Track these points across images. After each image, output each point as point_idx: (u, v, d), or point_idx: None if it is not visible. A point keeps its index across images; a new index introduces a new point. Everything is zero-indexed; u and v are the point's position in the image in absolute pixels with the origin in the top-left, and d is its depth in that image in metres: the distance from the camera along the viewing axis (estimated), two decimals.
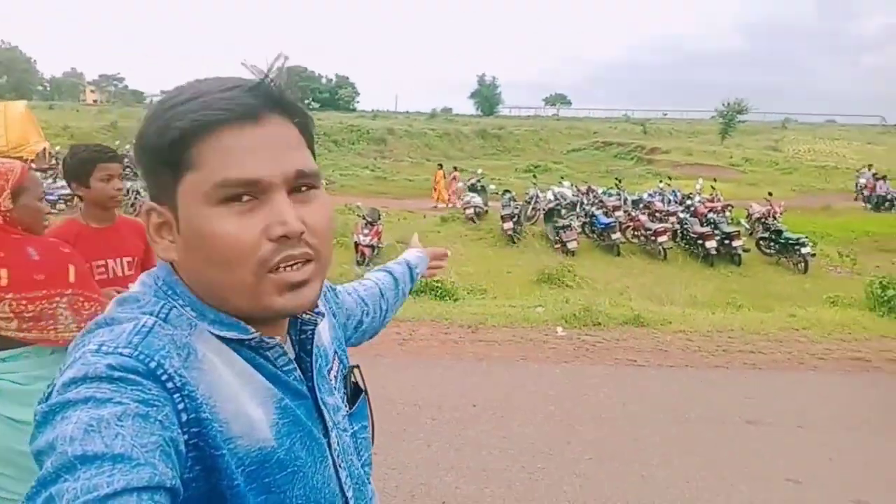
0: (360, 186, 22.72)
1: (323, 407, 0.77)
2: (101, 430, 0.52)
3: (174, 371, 0.60)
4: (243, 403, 0.66)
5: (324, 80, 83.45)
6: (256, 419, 0.66)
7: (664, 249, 13.11)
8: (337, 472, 0.77)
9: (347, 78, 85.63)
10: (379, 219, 12.27)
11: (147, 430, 0.54)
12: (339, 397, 0.83)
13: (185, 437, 0.60)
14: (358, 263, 11.70)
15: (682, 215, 14.31)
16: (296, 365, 0.75)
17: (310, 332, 0.78)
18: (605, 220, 13.79)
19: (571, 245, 12.79)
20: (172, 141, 0.64)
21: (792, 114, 75.65)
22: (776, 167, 33.88)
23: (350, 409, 0.85)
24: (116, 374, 0.57)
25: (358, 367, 0.91)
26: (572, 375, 4.61)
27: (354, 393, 0.88)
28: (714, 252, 12.73)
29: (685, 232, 13.69)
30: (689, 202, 15.94)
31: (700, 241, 12.96)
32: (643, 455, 3.47)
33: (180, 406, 0.60)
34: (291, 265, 0.66)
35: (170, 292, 0.69)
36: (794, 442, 3.66)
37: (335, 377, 0.84)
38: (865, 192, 20.47)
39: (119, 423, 0.53)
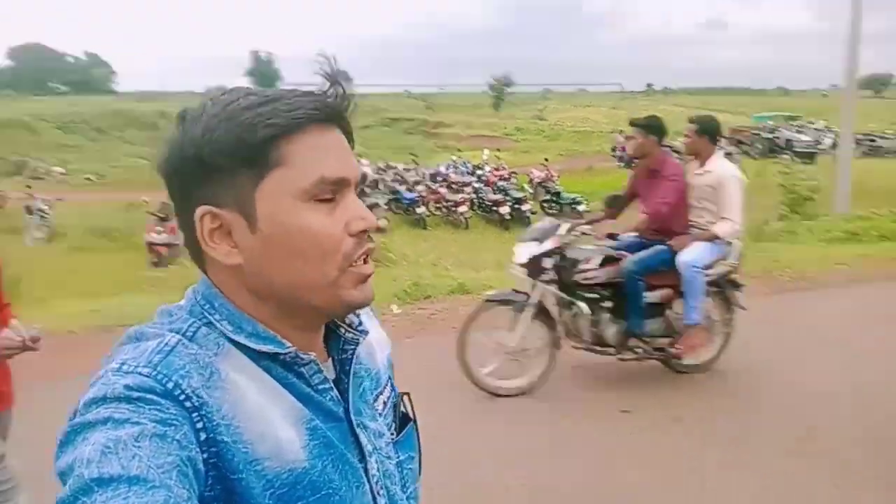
0: (139, 179, 19.70)
1: (360, 430, 0.75)
2: (118, 451, 0.53)
3: (192, 391, 0.61)
4: (271, 423, 0.65)
5: (71, 60, 72.51)
6: (286, 440, 0.65)
7: (465, 219, 14.03)
8: (374, 499, 0.74)
9: (98, 56, 75.51)
10: (172, 213, 11.14)
11: (164, 451, 0.55)
12: (382, 423, 0.80)
13: (205, 455, 0.60)
14: (154, 265, 10.64)
15: (475, 185, 15.40)
16: (332, 385, 0.73)
17: (351, 352, 0.77)
18: (408, 195, 14.28)
19: (382, 223, 13.08)
20: (265, 138, 0.64)
21: (549, 85, 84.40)
22: (543, 135, 37.66)
23: (396, 437, 0.83)
24: (135, 394, 0.58)
25: (408, 394, 0.89)
26: (419, 349, 4.78)
27: (403, 421, 0.86)
28: (508, 217, 13.98)
29: (481, 201, 14.77)
30: (479, 172, 17.16)
31: (495, 208, 14.13)
32: (504, 415, 3.80)
33: (199, 425, 0.60)
34: (365, 260, 0.70)
35: (206, 306, 0.69)
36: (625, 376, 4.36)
37: (385, 403, 0.83)
38: (618, 153, 23.76)
39: (136, 444, 0.53)
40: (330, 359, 0.77)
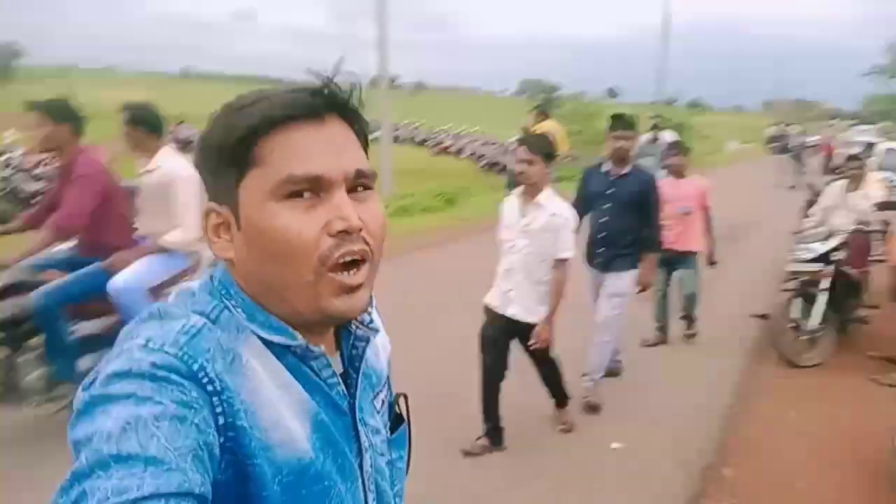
0: None
1: (361, 426, 0.76)
2: (137, 429, 0.53)
3: (215, 375, 0.61)
4: (283, 413, 0.66)
5: None
6: (294, 430, 0.66)
7: None
8: (365, 494, 0.76)
9: None
10: None
11: (182, 433, 0.55)
12: (380, 420, 0.82)
13: (221, 440, 0.60)
14: None
15: (5, 174, 12.37)
16: (340, 380, 0.73)
17: (362, 348, 0.77)
18: None
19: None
20: (239, 138, 0.66)
21: (72, 60, 72.95)
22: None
23: (391, 435, 0.85)
24: (160, 372, 0.58)
25: (405, 395, 0.90)
26: None
27: (396, 421, 0.88)
28: None
29: (15, 193, 11.97)
30: (8, 157, 13.80)
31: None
32: None
33: (218, 410, 0.60)
34: (349, 267, 0.67)
35: (224, 291, 0.69)
36: None
37: (383, 401, 0.84)
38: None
39: (156, 424, 0.54)
40: (338, 352, 0.77)
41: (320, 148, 0.67)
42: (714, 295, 6.48)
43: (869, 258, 5.13)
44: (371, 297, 0.72)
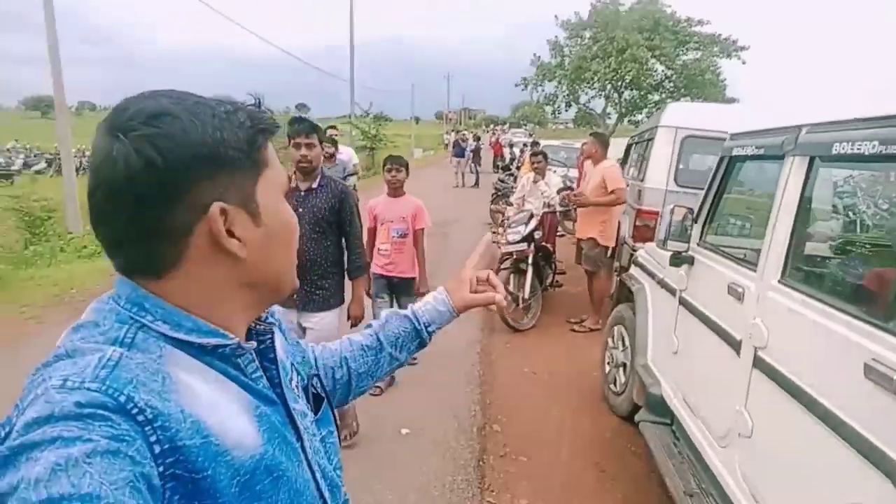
0: None
1: (293, 412, 0.79)
2: (68, 469, 0.50)
3: (144, 403, 0.58)
4: (228, 415, 0.66)
5: None
6: (243, 428, 0.67)
7: None
8: (314, 475, 0.80)
9: None
10: None
11: (117, 467, 0.53)
12: (304, 404, 0.85)
13: (161, 468, 0.58)
14: None
15: None
16: (262, 373, 0.77)
17: (269, 340, 0.81)
18: None
19: None
20: (261, 140, 0.72)
21: None
22: None
23: (316, 415, 0.88)
24: (85, 410, 0.55)
25: (318, 375, 0.94)
26: None
27: (316, 401, 0.90)
28: None
29: None
30: None
31: None
32: None
33: (152, 438, 0.58)
34: None
35: (135, 310, 0.67)
36: None
37: (297, 387, 0.86)
38: None
39: (87, 461, 0.51)
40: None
41: None
42: (439, 282, 7.29)
43: (556, 234, 6.40)
44: None
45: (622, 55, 24.74)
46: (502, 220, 7.13)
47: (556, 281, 6.57)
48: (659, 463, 2.88)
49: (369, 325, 1.15)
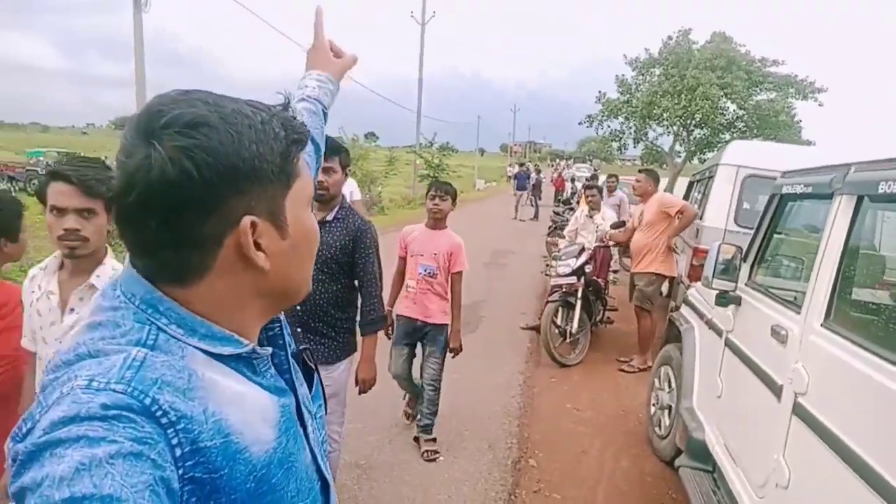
0: None
1: (302, 400, 0.81)
2: (91, 469, 0.51)
3: (169, 406, 0.59)
4: (250, 411, 0.67)
5: None
6: (262, 423, 0.69)
7: None
8: (315, 458, 0.81)
9: None
10: None
11: (138, 469, 0.53)
12: (303, 382, 0.85)
13: (180, 471, 0.59)
14: None
15: None
16: (272, 365, 0.78)
17: (277, 329, 0.82)
18: None
19: None
20: (287, 153, 0.70)
21: None
22: None
23: (311, 392, 0.88)
24: (111, 412, 0.55)
25: (308, 348, 0.91)
26: None
27: (306, 373, 0.88)
28: None
29: None
30: None
31: None
32: None
33: (174, 441, 0.59)
34: None
35: (150, 311, 0.66)
36: None
37: (289, 357, 0.85)
38: None
39: (110, 462, 0.52)
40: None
41: None
42: (491, 311, 7.27)
43: (609, 269, 6.29)
44: None
45: (693, 93, 24.29)
46: (553, 252, 7.07)
47: (608, 317, 6.42)
48: None
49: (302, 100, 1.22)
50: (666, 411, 3.95)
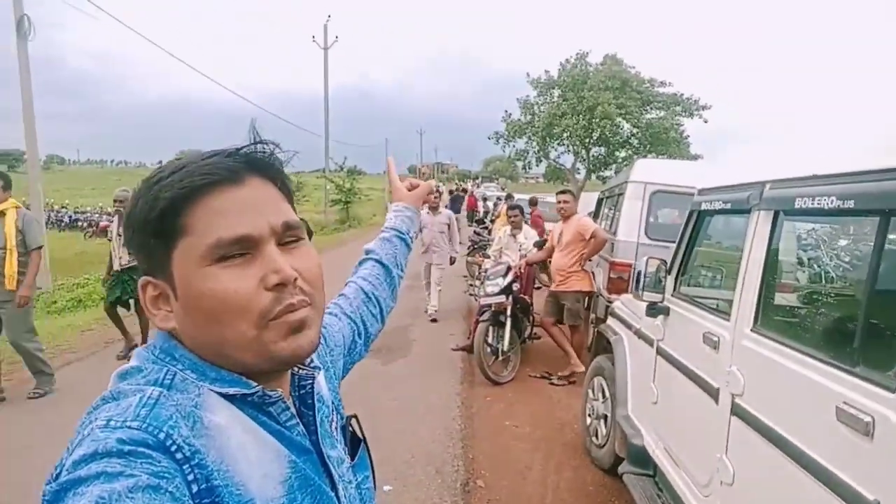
0: None
1: (328, 461, 0.78)
2: (111, 502, 0.52)
3: (183, 441, 0.61)
4: (254, 463, 0.67)
5: None
6: (267, 477, 0.67)
7: None
8: None
9: None
10: None
11: (157, 501, 0.55)
12: (341, 449, 0.84)
13: None
14: None
15: None
16: (298, 420, 0.76)
17: (309, 386, 0.80)
18: None
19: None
20: (162, 211, 0.67)
21: None
22: None
23: (352, 460, 0.86)
24: (127, 447, 0.57)
25: (356, 416, 0.91)
26: None
27: (353, 443, 0.88)
28: None
29: None
30: None
31: None
32: None
33: (190, 477, 0.60)
34: (290, 311, 0.69)
35: (167, 359, 0.70)
36: None
37: (335, 429, 0.85)
38: None
39: (130, 496, 0.53)
40: (290, 398, 0.80)
41: (244, 208, 0.69)
42: (421, 334, 7.29)
43: (534, 286, 6.49)
44: (320, 333, 0.76)
45: (593, 112, 25.65)
46: (479, 273, 7.21)
47: (534, 333, 6.61)
48: None
49: (368, 253, 1.27)
50: (602, 421, 4.11)
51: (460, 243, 8.68)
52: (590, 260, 5.85)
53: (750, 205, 2.36)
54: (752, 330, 2.22)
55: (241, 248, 0.68)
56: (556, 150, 29.83)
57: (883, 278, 1.63)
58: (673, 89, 26.72)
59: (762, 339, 2.13)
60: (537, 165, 31.58)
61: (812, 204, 1.91)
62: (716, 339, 2.46)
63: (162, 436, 0.59)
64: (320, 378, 0.86)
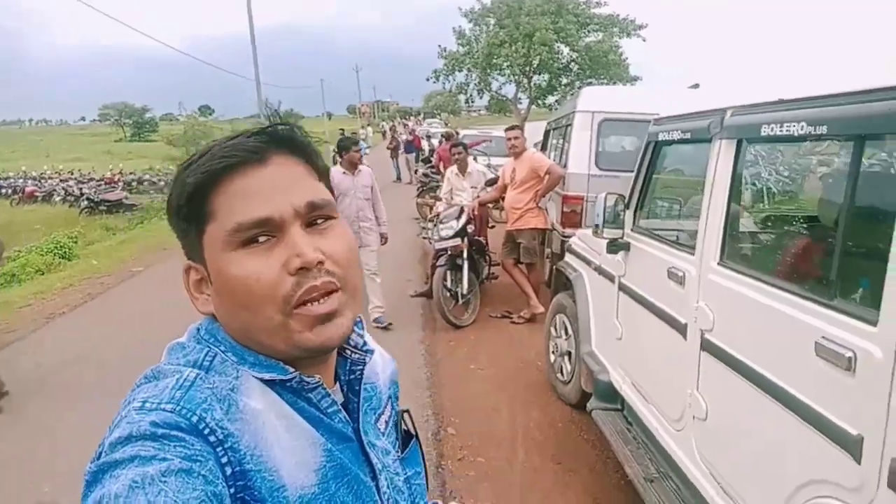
0: None
1: (370, 449, 0.76)
2: (144, 486, 0.53)
3: (216, 424, 0.60)
4: (288, 450, 0.65)
5: None
6: (300, 464, 0.66)
7: None
8: None
9: None
10: None
11: (190, 486, 0.55)
12: (387, 441, 0.81)
13: (232, 490, 0.59)
14: None
15: None
16: (340, 407, 0.74)
17: (358, 372, 0.78)
18: None
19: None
20: (189, 196, 0.67)
21: None
22: None
23: (401, 454, 0.85)
24: (160, 430, 0.58)
25: (408, 411, 0.90)
26: None
27: (405, 438, 0.88)
28: None
29: None
30: None
31: None
32: None
33: (224, 459, 0.60)
34: (316, 298, 0.66)
35: (211, 339, 0.70)
36: None
37: (386, 422, 0.83)
38: None
39: (163, 480, 0.54)
40: (337, 381, 0.78)
41: (265, 190, 0.66)
42: (381, 282, 7.16)
43: (488, 226, 6.39)
44: (358, 321, 0.75)
45: (530, 39, 25.13)
46: (430, 215, 7.06)
47: (492, 273, 6.57)
48: (616, 451, 2.90)
49: None
50: (566, 357, 4.13)
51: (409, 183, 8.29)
52: (543, 196, 5.77)
53: (711, 134, 2.26)
54: (719, 264, 2.17)
55: (264, 232, 0.66)
56: (497, 80, 29.32)
57: (859, 207, 1.56)
58: (609, 9, 26.37)
59: (731, 274, 2.08)
60: (479, 98, 31.09)
61: (780, 131, 1.81)
62: (681, 274, 2.41)
63: (195, 419, 0.60)
64: (381, 366, 0.86)
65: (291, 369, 0.68)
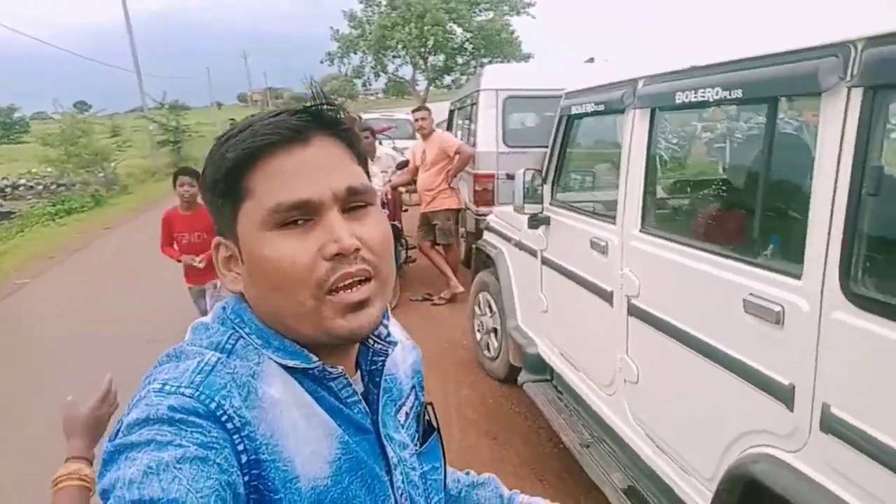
0: None
1: (387, 442, 0.75)
2: (159, 473, 0.53)
3: (234, 411, 0.60)
4: (305, 440, 0.65)
5: None
6: (315, 455, 0.65)
7: None
8: None
9: None
10: None
11: (204, 474, 0.54)
12: (405, 434, 0.80)
13: (246, 478, 0.59)
14: None
15: None
16: (360, 398, 0.73)
17: (380, 363, 0.77)
18: None
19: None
20: (227, 171, 0.66)
21: None
22: None
23: (420, 447, 0.82)
24: (178, 415, 0.57)
25: (431, 404, 0.88)
26: None
27: (426, 432, 0.85)
28: None
29: None
30: None
31: None
32: None
33: (240, 447, 0.59)
34: (350, 286, 0.66)
35: (237, 320, 0.69)
36: None
37: (407, 414, 0.82)
38: None
39: (177, 467, 0.53)
40: (358, 371, 0.77)
41: (306, 171, 0.65)
42: None
43: (402, 209, 6.31)
44: (386, 311, 0.74)
45: (423, 20, 25.02)
46: None
47: (409, 257, 6.51)
48: (550, 420, 2.96)
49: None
50: (492, 334, 4.16)
51: None
52: (455, 176, 5.75)
53: (624, 104, 2.31)
54: (641, 231, 2.23)
55: (302, 214, 0.64)
56: (393, 62, 29.05)
57: (776, 165, 1.63)
58: None
59: (653, 240, 2.14)
60: (376, 80, 30.68)
61: (693, 97, 1.86)
62: (603, 243, 2.46)
63: (213, 405, 0.59)
64: (403, 357, 0.85)
65: (315, 358, 0.68)
